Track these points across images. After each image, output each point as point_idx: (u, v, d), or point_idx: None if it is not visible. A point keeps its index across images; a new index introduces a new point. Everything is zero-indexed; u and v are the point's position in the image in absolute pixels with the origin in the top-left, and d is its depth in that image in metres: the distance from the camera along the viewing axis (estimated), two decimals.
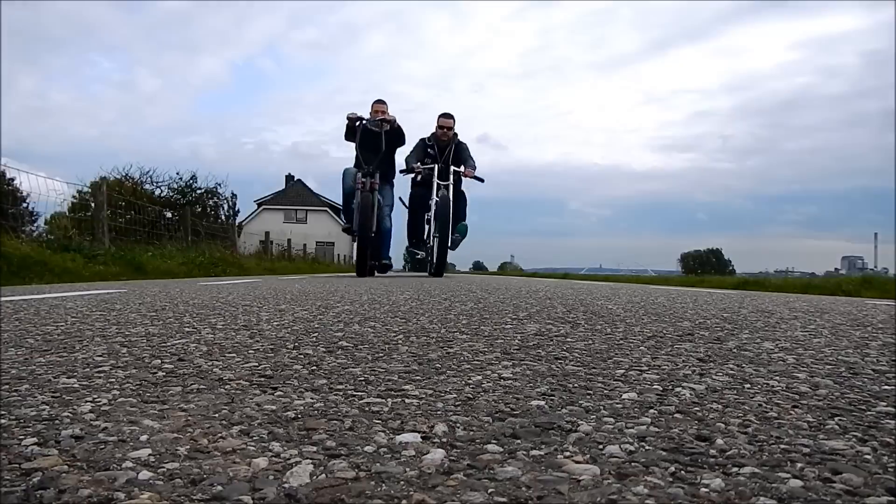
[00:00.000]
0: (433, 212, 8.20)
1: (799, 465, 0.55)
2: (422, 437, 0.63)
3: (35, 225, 10.03)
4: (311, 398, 0.81)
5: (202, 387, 0.87)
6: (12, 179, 9.87)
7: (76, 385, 0.88)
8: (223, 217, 18.54)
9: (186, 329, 1.56)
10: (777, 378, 0.97)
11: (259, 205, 41.83)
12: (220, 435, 0.64)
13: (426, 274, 9.11)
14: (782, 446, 0.61)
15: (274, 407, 0.76)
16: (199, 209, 17.36)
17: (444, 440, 0.63)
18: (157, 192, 16.88)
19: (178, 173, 17.77)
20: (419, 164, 8.30)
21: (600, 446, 0.61)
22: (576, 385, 0.90)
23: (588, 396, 0.83)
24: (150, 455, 0.57)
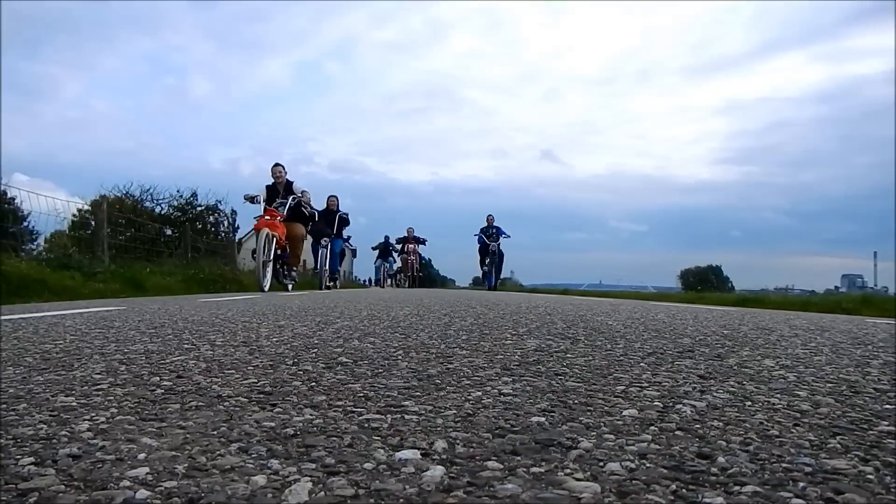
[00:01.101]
0: None
1: (801, 484, 0.55)
2: (421, 454, 0.63)
3: (35, 243, 10.04)
4: (311, 415, 0.80)
5: (201, 404, 0.87)
6: (13, 199, 9.90)
7: (74, 403, 0.87)
8: (223, 233, 18.52)
9: (185, 346, 1.56)
10: (778, 396, 0.97)
11: None
12: (218, 453, 0.63)
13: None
14: (784, 465, 0.61)
15: (273, 424, 0.75)
16: (200, 226, 17.35)
17: (444, 457, 0.62)
18: (158, 209, 16.89)
19: (178, 190, 17.79)
20: None
21: (601, 463, 0.60)
22: (576, 401, 0.90)
23: (588, 413, 0.82)
24: (147, 473, 0.57)
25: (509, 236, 14.79)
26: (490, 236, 14.42)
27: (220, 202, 18.58)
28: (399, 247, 18.62)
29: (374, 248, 20.04)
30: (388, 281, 19.22)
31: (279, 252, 8.63)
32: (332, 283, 11.86)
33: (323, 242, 11.18)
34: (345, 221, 12.01)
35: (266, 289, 7.77)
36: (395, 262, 19.64)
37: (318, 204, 11.28)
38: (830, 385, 1.07)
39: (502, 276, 15.97)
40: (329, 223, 11.38)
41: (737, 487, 0.54)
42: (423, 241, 18.89)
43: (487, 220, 14.80)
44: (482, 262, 14.88)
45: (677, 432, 0.73)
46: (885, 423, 0.79)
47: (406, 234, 18.59)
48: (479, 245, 14.90)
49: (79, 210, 10.34)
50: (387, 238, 19.88)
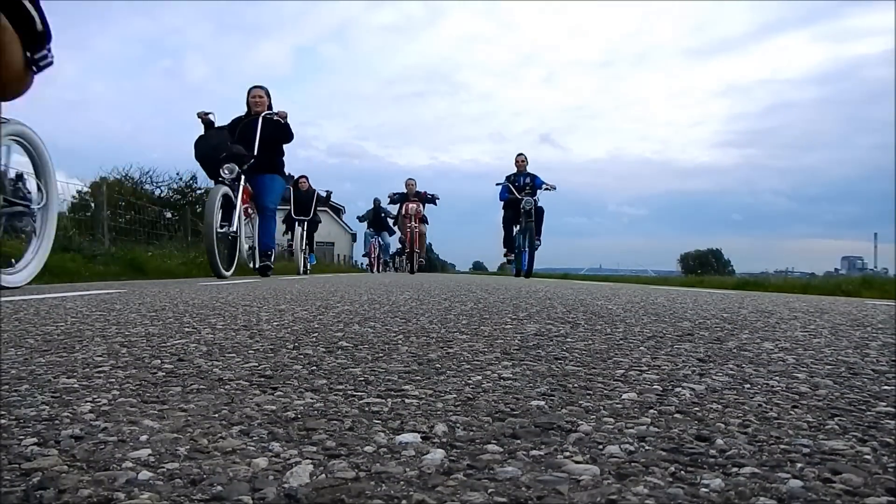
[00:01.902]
0: None
1: (799, 465, 0.55)
2: (422, 438, 0.63)
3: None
4: (311, 398, 0.81)
5: (202, 387, 0.87)
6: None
7: (76, 385, 0.88)
8: None
9: (186, 329, 1.56)
10: (777, 378, 0.97)
11: None
12: (219, 435, 0.64)
13: None
14: (782, 446, 0.61)
15: (274, 407, 0.76)
16: (200, 209, 17.31)
17: (444, 440, 0.63)
18: (158, 192, 16.87)
19: (178, 173, 17.74)
20: None
21: (600, 446, 0.61)
22: (576, 385, 0.90)
23: (588, 396, 0.83)
24: (149, 455, 0.57)
25: (554, 188, 9.34)
26: (521, 188, 9.20)
27: None
28: (395, 211, 12.23)
29: (360, 219, 14.30)
30: (384, 263, 13.98)
31: None
32: (262, 263, 6.49)
33: (224, 172, 5.51)
34: (281, 130, 6.30)
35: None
36: (393, 234, 13.56)
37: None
38: (829, 367, 1.08)
39: (502, 262, 10.67)
40: (243, 140, 5.84)
41: (735, 469, 0.54)
42: (431, 199, 12.11)
43: (518, 163, 9.51)
44: (508, 228, 9.56)
45: (676, 415, 0.73)
46: (883, 403, 0.80)
47: (406, 190, 11.99)
48: (502, 201, 9.53)
49: (78, 192, 10.33)
50: (377, 203, 14.00)
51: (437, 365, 1.06)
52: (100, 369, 1.00)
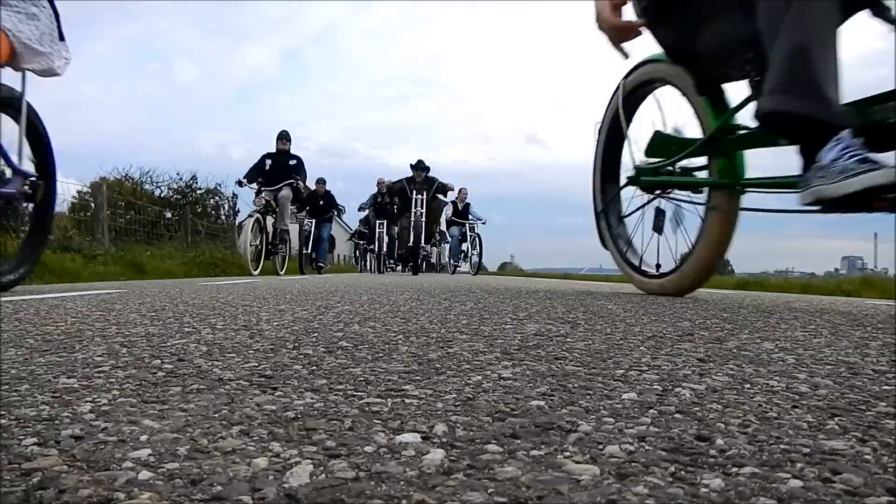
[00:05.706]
0: None
1: (799, 465, 0.55)
2: (422, 438, 0.63)
3: None
4: (311, 398, 0.81)
5: (202, 387, 0.87)
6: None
7: (76, 385, 0.88)
8: (223, 217, 18.47)
9: (186, 329, 1.56)
10: (777, 378, 0.97)
11: None
12: (220, 435, 0.64)
13: None
14: (782, 446, 0.61)
15: (274, 407, 0.76)
16: (200, 209, 17.29)
17: (444, 440, 0.63)
18: (158, 192, 16.85)
19: (178, 173, 17.72)
20: None
21: (600, 446, 0.61)
22: (576, 385, 0.90)
23: (588, 396, 0.83)
24: (150, 455, 0.57)
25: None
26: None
27: (220, 185, 18.47)
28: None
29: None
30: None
31: None
32: None
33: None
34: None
35: None
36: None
37: None
38: (829, 367, 1.08)
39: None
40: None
41: (735, 469, 0.54)
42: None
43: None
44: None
45: (676, 415, 0.73)
46: (883, 403, 0.80)
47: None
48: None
49: (78, 192, 10.34)
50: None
51: (437, 365, 1.06)
52: (100, 369, 1.00)
